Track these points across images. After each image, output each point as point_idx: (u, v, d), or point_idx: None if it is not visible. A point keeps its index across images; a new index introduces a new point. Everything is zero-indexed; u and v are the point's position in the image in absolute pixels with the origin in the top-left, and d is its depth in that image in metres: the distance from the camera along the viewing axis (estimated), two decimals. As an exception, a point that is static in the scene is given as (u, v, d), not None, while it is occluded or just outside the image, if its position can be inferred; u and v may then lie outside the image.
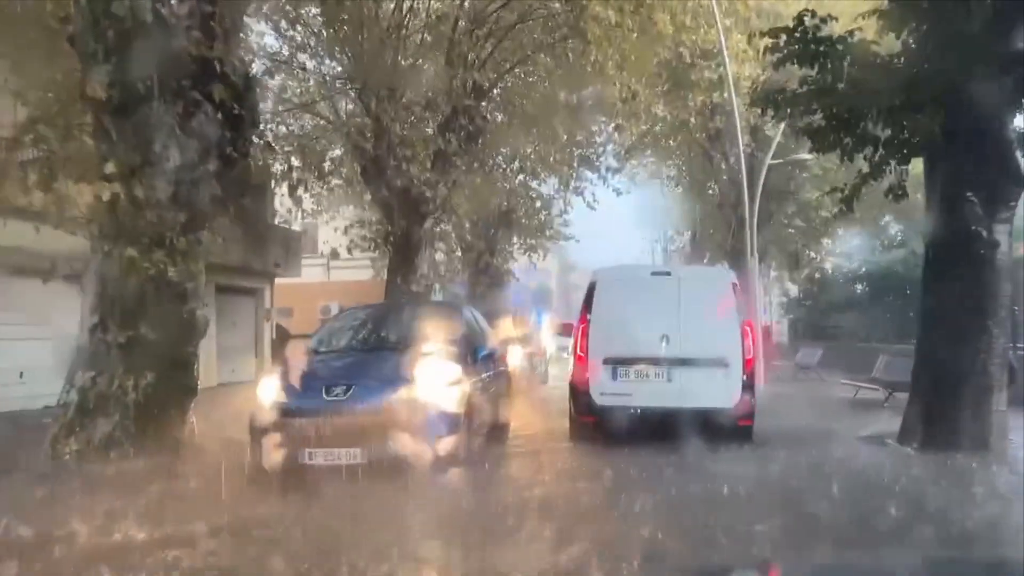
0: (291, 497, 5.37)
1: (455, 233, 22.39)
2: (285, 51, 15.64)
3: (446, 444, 6.04)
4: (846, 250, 23.44)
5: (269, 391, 6.44)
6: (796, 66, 7.73)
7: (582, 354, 8.23)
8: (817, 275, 23.35)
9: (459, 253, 24.09)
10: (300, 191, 17.71)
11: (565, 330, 11.24)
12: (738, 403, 7.87)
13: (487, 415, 7.54)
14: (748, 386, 8.00)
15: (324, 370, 6.82)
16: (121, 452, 6.98)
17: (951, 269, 7.25)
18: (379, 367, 6.58)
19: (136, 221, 7.00)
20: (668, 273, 9.10)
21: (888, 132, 7.29)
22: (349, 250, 17.11)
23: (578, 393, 8.33)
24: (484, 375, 7.56)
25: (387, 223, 15.38)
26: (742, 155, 14.83)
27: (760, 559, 2.58)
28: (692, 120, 18.25)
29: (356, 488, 5.57)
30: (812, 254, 24.04)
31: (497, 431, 8.26)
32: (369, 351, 7.26)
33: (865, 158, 7.64)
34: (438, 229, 15.75)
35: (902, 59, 7.26)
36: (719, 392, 7.84)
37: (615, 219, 38.40)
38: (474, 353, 7.27)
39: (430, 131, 14.73)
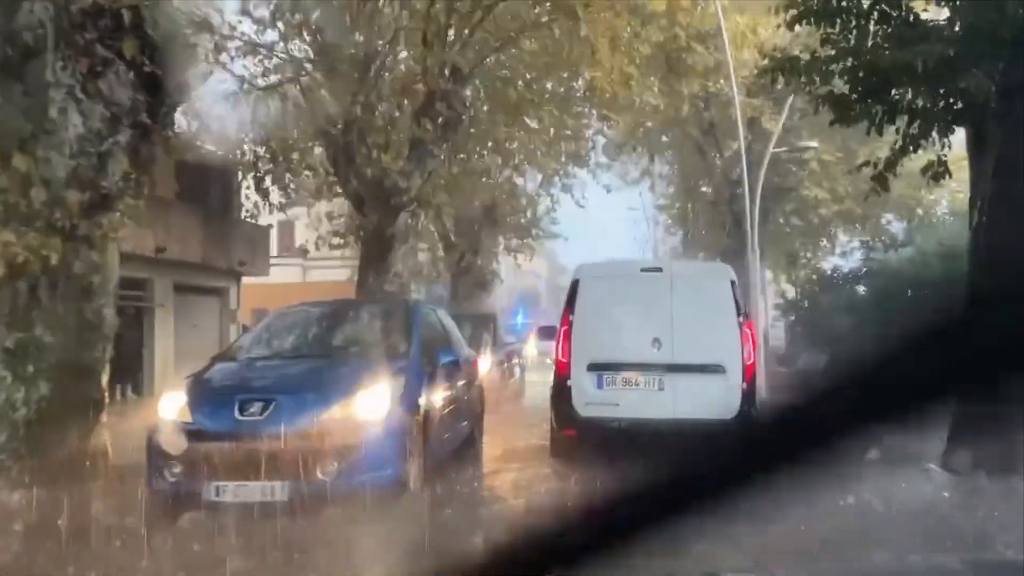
0: (182, 549, 4.17)
1: (436, 230, 21.23)
2: (250, 31, 14.48)
3: (392, 474, 4.88)
4: (846, 250, 22.46)
5: (171, 407, 5.23)
6: (813, 26, 6.63)
7: (564, 359, 7.35)
8: (814, 276, 22.31)
9: (441, 252, 22.94)
10: (267, 183, 16.65)
11: (543, 333, 10.37)
12: (737, 414, 6.95)
13: (451, 434, 6.42)
14: (749, 395, 7.16)
15: (241, 382, 5.55)
16: (9, 480, 5.80)
17: (1014, 253, 6.04)
18: (310, 379, 5.34)
19: (26, 202, 5.79)
20: (660, 269, 8.22)
21: (925, 100, 6.17)
22: (317, 246, 15.90)
23: (559, 403, 7.40)
24: (448, 386, 6.44)
25: (358, 217, 14.21)
26: (742, 140, 13.73)
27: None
28: (686, 109, 17.12)
29: (272, 533, 4.33)
30: (810, 254, 23.07)
31: (465, 452, 7.12)
32: (301, 359, 5.93)
33: (898, 130, 6.54)
34: (413, 223, 14.55)
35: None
36: (716, 402, 6.84)
37: (605, 218, 37.28)
38: (434, 360, 6.10)
39: (402, 115, 13.52)
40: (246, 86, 14.51)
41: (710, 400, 6.86)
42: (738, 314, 7.39)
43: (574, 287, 7.67)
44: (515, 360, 15.01)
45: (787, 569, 2.21)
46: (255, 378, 5.55)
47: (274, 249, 23.20)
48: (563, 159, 22.50)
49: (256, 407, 4.94)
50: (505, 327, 27.76)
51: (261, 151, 16.38)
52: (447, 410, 6.27)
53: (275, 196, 16.63)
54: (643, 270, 8.15)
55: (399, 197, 13.43)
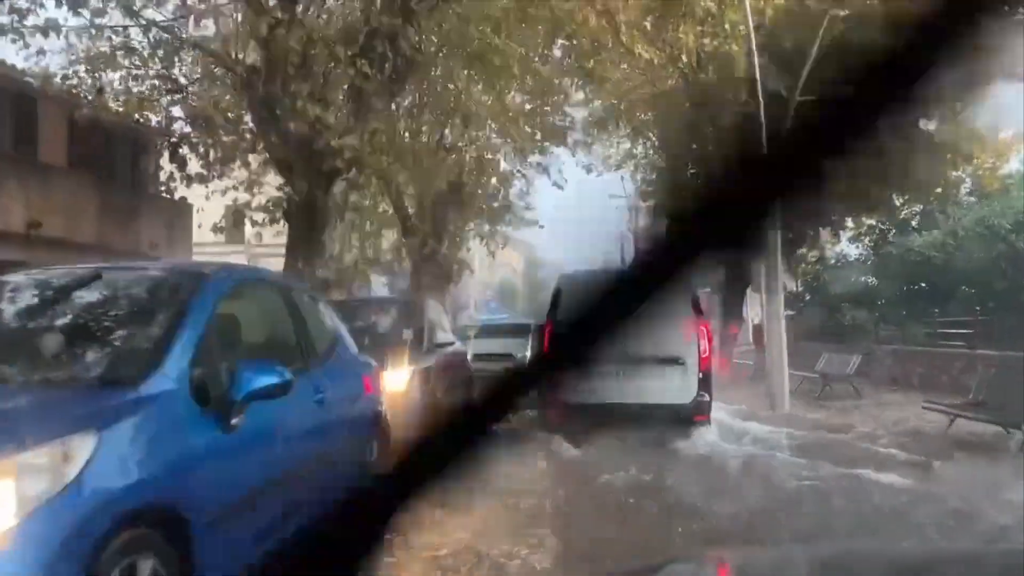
0: None
1: (394, 208, 18.61)
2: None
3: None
4: (855, 236, 20.14)
5: None
6: None
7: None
8: (819, 266, 20.04)
9: (402, 237, 20.34)
10: (185, 150, 13.97)
11: (537, 333, 11.42)
12: (694, 399, 8.38)
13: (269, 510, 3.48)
14: (704, 383, 8.48)
15: None
16: None
17: None
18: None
19: None
20: None
21: None
22: (236, 224, 13.23)
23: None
24: (267, 434, 3.57)
25: (285, 187, 11.58)
26: (759, 88, 11.27)
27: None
28: (683, 60, 14.68)
29: None
30: (806, 248, 20.74)
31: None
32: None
33: None
34: (358, 196, 11.91)
35: None
36: (676, 389, 8.35)
37: (584, 205, 34.87)
38: (233, 386, 3.15)
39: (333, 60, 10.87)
40: (144, 25, 11.83)
41: (670, 388, 8.31)
42: (695, 315, 8.45)
43: (556, 293, 8.96)
44: (461, 369, 9.94)
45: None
46: None
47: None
48: (538, 136, 20.13)
49: None
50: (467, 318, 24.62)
51: (178, 113, 13.75)
52: (249, 494, 3.25)
53: (194, 165, 13.98)
54: None
55: (332, 160, 10.81)
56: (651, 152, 26.66)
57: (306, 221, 11.34)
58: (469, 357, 11.03)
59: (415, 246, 19.75)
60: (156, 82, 13.03)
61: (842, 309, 16.53)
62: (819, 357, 12.95)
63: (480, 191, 20.93)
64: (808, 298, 20.65)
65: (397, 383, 6.57)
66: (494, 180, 20.72)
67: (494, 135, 18.99)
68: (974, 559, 1.39)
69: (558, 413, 8.22)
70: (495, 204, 21.82)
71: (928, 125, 18.05)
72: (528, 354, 16.55)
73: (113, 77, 13.17)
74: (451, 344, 9.23)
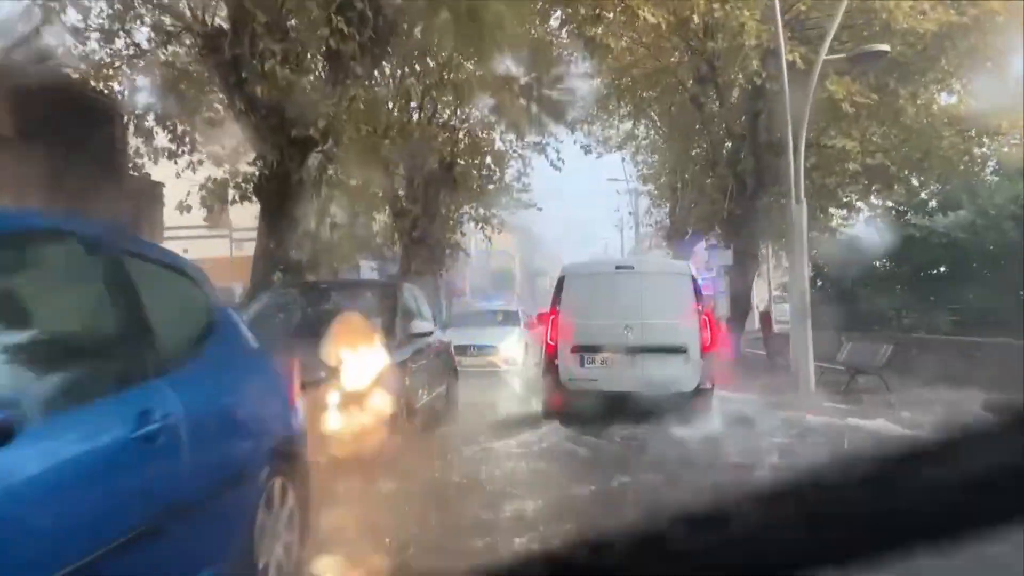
0: None
1: (382, 187, 17.54)
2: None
3: None
4: (869, 216, 19.10)
5: None
6: None
7: (552, 343, 8.73)
8: (833, 248, 19.01)
9: (392, 219, 19.28)
10: (150, 122, 12.90)
11: (542, 320, 10.82)
12: (696, 387, 8.32)
13: None
14: (706, 371, 8.42)
15: None
16: None
17: None
18: None
19: None
20: (631, 267, 9.65)
21: None
22: (204, 203, 12.19)
23: (549, 379, 8.76)
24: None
25: (257, 161, 10.52)
26: (783, 46, 10.17)
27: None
28: (695, 21, 13.60)
29: None
30: (816, 232, 19.67)
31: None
32: None
33: None
34: (333, 174, 10.82)
35: None
36: (679, 377, 8.28)
37: (583, 190, 33.93)
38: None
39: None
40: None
41: (673, 376, 8.25)
42: (697, 304, 8.53)
43: (560, 283, 8.98)
44: (443, 364, 8.64)
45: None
46: None
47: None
48: (534, 110, 19.04)
49: None
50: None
51: (143, 80, 12.68)
52: None
53: (162, 140, 12.93)
54: (617, 268, 9.53)
55: (304, 129, 9.75)
56: (652, 133, 25.62)
57: (278, 196, 10.29)
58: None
59: (405, 228, 18.70)
60: (115, 46, 11.93)
61: (856, 294, 15.48)
62: (836, 346, 11.91)
63: (475, 171, 19.87)
64: (819, 284, 19.57)
65: (358, 380, 5.46)
66: (489, 159, 19.62)
67: (488, 111, 17.88)
68: None
69: (560, 400, 8.48)
70: (490, 186, 20.75)
71: (951, 98, 17.01)
72: (517, 345, 15.34)
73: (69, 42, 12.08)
74: (428, 334, 7.67)
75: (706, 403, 8.27)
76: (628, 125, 24.42)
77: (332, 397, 5.13)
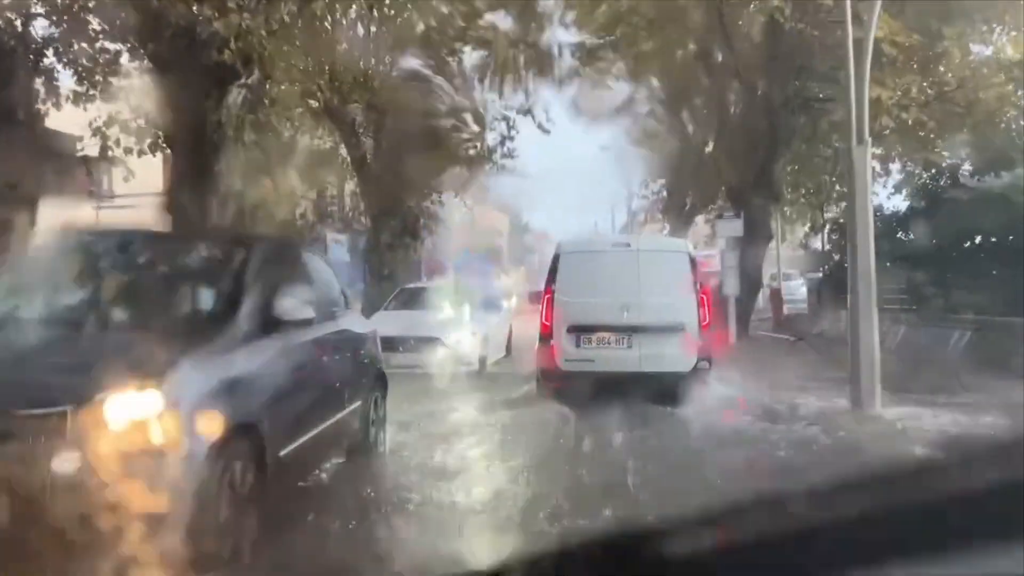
0: None
1: (347, 147, 15.34)
2: None
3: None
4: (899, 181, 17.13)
5: None
6: None
7: (547, 323, 8.57)
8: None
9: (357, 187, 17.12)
10: (52, 60, 10.68)
11: (533, 299, 10.33)
12: (693, 368, 8.19)
13: None
14: (704, 350, 8.30)
15: None
16: None
17: None
18: None
19: None
20: (628, 244, 9.59)
21: None
22: (102, 153, 10.00)
23: (544, 360, 8.59)
24: None
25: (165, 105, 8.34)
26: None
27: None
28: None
29: None
30: (845, 187, 17.75)
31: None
32: None
33: None
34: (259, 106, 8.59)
35: None
36: (676, 357, 8.16)
37: (575, 155, 31.79)
38: None
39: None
40: None
41: (670, 356, 8.20)
42: (694, 282, 8.44)
43: (555, 260, 8.79)
44: (351, 365, 5.59)
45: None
46: None
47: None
48: (521, 61, 16.96)
49: None
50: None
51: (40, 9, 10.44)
52: None
53: (67, 80, 10.73)
54: (613, 245, 9.57)
55: (219, 53, 7.56)
56: (650, 95, 23.45)
57: (192, 144, 8.15)
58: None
59: (373, 195, 16.56)
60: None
61: (888, 269, 13.43)
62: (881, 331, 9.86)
63: (454, 133, 17.70)
64: (836, 258, 17.56)
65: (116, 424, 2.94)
66: (469, 118, 17.45)
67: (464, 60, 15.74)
68: None
69: (555, 381, 8.33)
70: (471, 151, 18.52)
71: (988, 48, 14.97)
72: (475, 335, 11.39)
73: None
74: (308, 321, 4.37)
75: (703, 384, 8.12)
76: (623, 83, 22.17)
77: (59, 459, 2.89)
